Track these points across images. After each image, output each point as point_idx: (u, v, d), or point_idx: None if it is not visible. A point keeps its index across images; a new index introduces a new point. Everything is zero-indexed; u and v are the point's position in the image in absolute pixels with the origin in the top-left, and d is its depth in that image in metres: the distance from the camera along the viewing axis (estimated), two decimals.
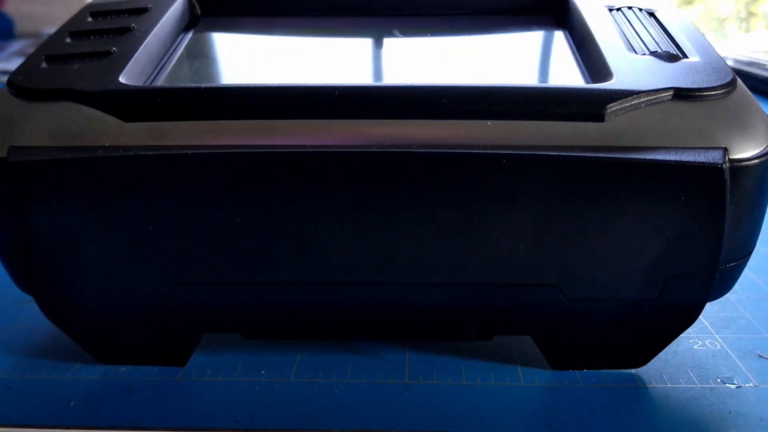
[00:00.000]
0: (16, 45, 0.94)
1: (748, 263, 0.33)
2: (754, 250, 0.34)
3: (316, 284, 0.24)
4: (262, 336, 0.26)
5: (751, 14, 1.66)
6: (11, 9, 1.10)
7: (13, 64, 0.84)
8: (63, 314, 0.25)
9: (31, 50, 0.93)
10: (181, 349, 0.26)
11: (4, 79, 0.77)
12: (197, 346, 0.26)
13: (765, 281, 0.32)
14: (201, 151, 0.21)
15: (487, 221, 0.22)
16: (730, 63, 0.73)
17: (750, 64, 0.70)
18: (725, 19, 1.70)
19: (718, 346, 0.27)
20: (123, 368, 0.26)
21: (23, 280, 0.25)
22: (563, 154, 0.21)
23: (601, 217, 0.22)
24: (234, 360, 0.26)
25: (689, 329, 0.27)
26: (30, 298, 0.29)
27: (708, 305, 0.29)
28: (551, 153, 0.21)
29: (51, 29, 0.96)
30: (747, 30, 1.64)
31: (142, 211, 0.22)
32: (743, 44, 0.92)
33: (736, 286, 0.31)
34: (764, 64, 0.68)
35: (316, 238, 0.22)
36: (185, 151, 0.21)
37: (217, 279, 0.24)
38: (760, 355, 0.26)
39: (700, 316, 0.29)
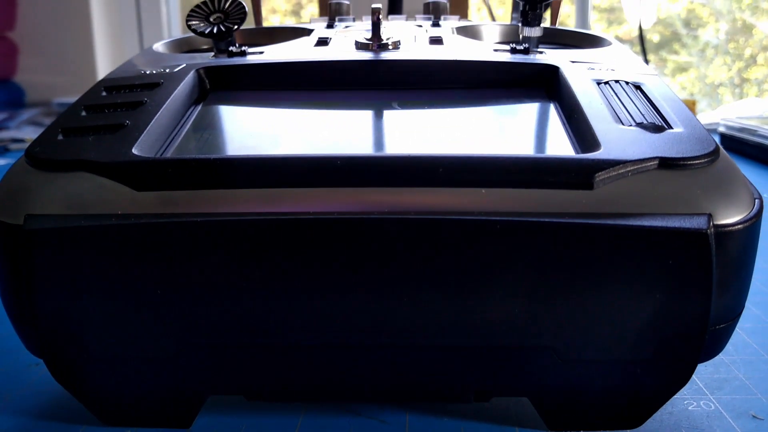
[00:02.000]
0: (26, 114, 0.97)
1: (742, 325, 0.34)
2: (747, 311, 0.35)
3: (318, 347, 0.25)
4: (265, 398, 0.27)
5: (744, 80, 1.70)
6: (22, 79, 1.13)
7: (23, 132, 0.86)
8: (71, 376, 0.26)
9: (41, 119, 0.96)
10: (185, 410, 0.26)
11: (15, 146, 0.79)
12: (202, 408, 0.27)
13: (758, 342, 0.33)
14: (209, 219, 0.22)
15: (483, 285, 0.23)
16: (722, 129, 0.75)
17: (741, 129, 0.72)
18: (719, 86, 1.74)
19: (713, 407, 0.27)
20: (129, 430, 0.26)
21: (34, 343, 0.25)
22: (554, 220, 0.22)
23: (592, 281, 0.23)
24: (237, 422, 0.27)
25: (684, 390, 0.28)
26: (39, 360, 0.30)
27: (702, 367, 0.30)
28: (543, 219, 0.22)
29: (60, 98, 0.99)
30: (740, 96, 1.67)
31: (151, 276, 0.23)
32: (735, 110, 0.94)
33: (730, 348, 0.32)
34: (755, 130, 0.69)
35: (318, 301, 0.23)
36: (194, 219, 0.22)
37: (222, 342, 0.24)
38: (754, 416, 0.27)
39: (694, 378, 0.29)
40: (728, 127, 0.74)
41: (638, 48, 1.02)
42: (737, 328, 0.33)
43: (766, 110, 0.90)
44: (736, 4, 1.64)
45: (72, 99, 0.96)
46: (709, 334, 0.24)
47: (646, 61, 1.01)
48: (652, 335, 0.24)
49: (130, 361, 0.25)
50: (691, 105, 0.88)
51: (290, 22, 1.73)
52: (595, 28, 1.71)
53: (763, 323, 0.34)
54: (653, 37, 1.72)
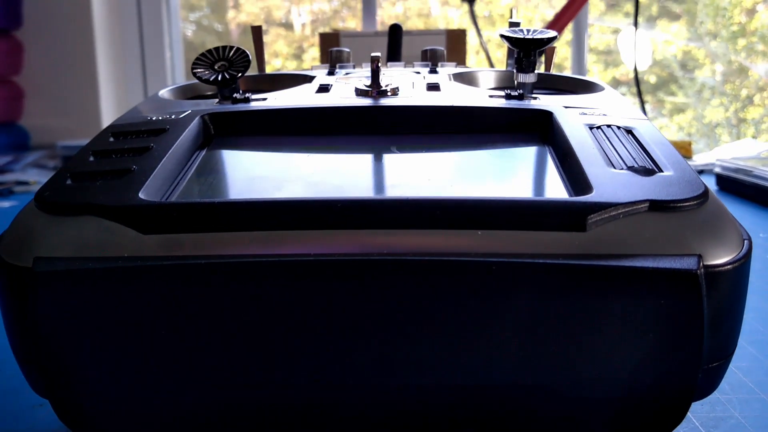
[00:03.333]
0: (31, 156, 0.98)
1: (738, 364, 0.34)
2: (742, 350, 0.35)
3: (318, 386, 0.25)
4: None
5: (741, 120, 1.72)
6: (27, 122, 1.15)
7: (27, 175, 0.87)
8: (77, 417, 0.26)
9: (45, 162, 0.97)
10: None
11: (19, 188, 0.80)
12: None
13: (753, 381, 0.33)
14: (213, 261, 0.23)
15: (479, 325, 0.23)
16: (718, 170, 0.76)
17: (737, 170, 0.73)
18: (716, 126, 1.76)
19: None
20: None
21: (40, 383, 0.26)
22: (548, 261, 0.23)
23: (585, 321, 0.23)
24: None
25: (679, 429, 0.28)
26: (44, 401, 0.30)
27: (697, 405, 0.30)
28: (537, 261, 0.23)
29: (65, 142, 1.00)
30: (738, 136, 1.69)
31: (157, 318, 0.24)
32: (731, 151, 0.95)
33: (726, 386, 0.32)
34: (750, 171, 0.70)
35: (319, 341, 0.24)
36: (199, 261, 0.23)
37: (225, 383, 0.25)
38: None
39: (690, 416, 0.29)
40: (724, 168, 0.75)
41: (635, 90, 1.04)
42: (733, 367, 0.34)
43: (761, 151, 0.91)
44: (731, 46, 1.67)
45: (76, 142, 0.97)
46: (702, 373, 0.24)
47: (642, 103, 1.02)
48: (645, 374, 0.24)
49: (136, 402, 0.25)
50: (686, 146, 0.89)
51: (291, 65, 1.76)
52: (593, 70, 1.74)
53: (759, 362, 0.35)
54: (650, 79, 1.75)
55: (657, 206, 0.24)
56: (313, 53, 1.70)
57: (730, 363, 0.26)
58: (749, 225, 0.59)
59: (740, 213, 0.65)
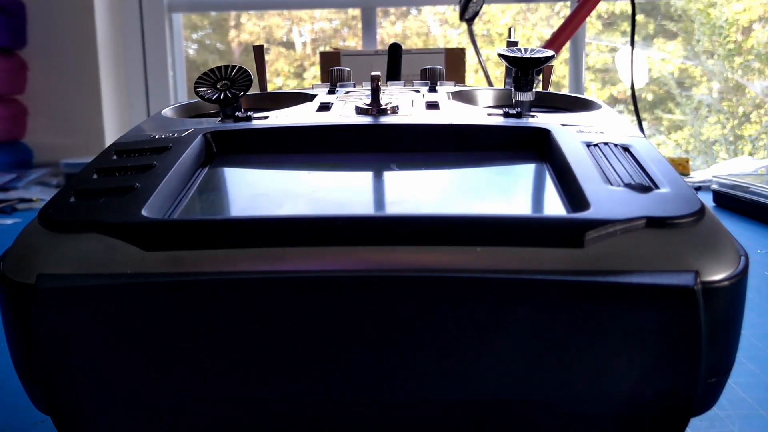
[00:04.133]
0: (34, 174, 0.98)
1: (737, 380, 0.34)
2: (742, 366, 0.36)
3: (319, 402, 0.25)
4: None
5: (738, 137, 1.72)
6: (30, 140, 1.15)
7: (30, 192, 0.87)
8: None
9: (48, 179, 0.97)
10: None
11: (22, 206, 0.81)
12: None
13: (752, 397, 0.33)
14: (215, 278, 0.23)
15: (478, 341, 0.24)
16: (715, 186, 0.77)
17: (734, 187, 0.73)
18: (714, 143, 1.76)
19: None
20: None
21: (42, 400, 0.26)
22: (546, 277, 0.23)
23: (583, 337, 0.23)
24: None
25: None
26: (45, 417, 0.30)
27: (697, 421, 0.31)
28: (535, 277, 0.23)
29: (68, 159, 1.01)
30: (735, 153, 1.70)
31: (159, 334, 0.24)
32: (728, 168, 0.96)
33: (725, 402, 0.32)
34: (747, 187, 0.71)
35: (321, 357, 0.24)
36: (201, 278, 0.23)
37: (227, 399, 0.25)
38: None
39: None
40: (721, 185, 0.75)
41: (632, 107, 1.05)
42: (732, 383, 0.34)
43: (758, 168, 0.92)
44: (727, 64, 1.68)
45: (80, 160, 0.97)
46: (700, 389, 0.24)
47: (640, 121, 1.03)
48: (643, 390, 0.24)
49: (137, 418, 0.26)
50: (684, 162, 0.89)
51: (292, 83, 1.77)
52: (590, 88, 1.75)
53: (758, 378, 0.35)
54: (647, 96, 1.76)
55: (654, 223, 0.25)
56: (314, 72, 1.71)
57: (729, 379, 0.26)
58: (746, 241, 0.60)
59: (737, 229, 0.65)
